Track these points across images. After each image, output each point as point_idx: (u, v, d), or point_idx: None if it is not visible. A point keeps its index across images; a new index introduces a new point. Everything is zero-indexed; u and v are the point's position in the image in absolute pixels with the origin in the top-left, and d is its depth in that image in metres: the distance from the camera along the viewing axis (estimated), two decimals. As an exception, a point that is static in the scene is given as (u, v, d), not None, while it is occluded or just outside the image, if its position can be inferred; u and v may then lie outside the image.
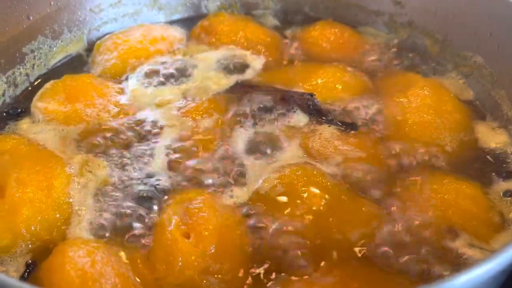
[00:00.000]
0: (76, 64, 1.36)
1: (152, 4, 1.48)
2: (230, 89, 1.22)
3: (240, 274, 0.87)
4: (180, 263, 0.85)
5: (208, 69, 1.28)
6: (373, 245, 0.90)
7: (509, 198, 0.98)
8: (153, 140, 1.10)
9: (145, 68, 1.28)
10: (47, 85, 1.21)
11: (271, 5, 1.52)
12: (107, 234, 0.93)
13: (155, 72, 1.27)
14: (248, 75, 1.27)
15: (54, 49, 1.34)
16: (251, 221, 0.93)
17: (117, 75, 1.27)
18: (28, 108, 1.18)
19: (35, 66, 1.30)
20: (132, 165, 1.05)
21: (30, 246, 0.91)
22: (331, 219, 0.91)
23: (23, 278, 0.86)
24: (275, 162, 1.03)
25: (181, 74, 1.27)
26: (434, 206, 0.93)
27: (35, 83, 1.30)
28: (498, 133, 1.12)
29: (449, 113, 1.11)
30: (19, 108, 1.20)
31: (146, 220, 0.95)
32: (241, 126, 1.12)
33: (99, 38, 1.39)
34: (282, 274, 0.87)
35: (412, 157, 1.05)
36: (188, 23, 1.46)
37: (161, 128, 1.12)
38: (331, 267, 0.87)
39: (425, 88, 1.15)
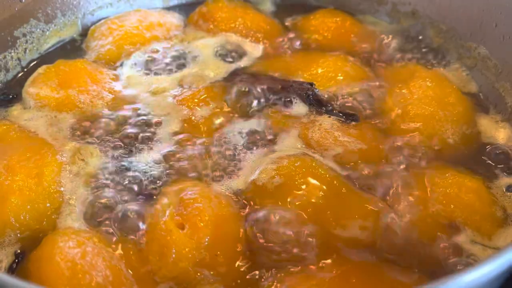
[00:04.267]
0: (70, 49, 1.34)
1: (149, -11, 1.46)
2: (228, 78, 1.20)
3: (236, 267, 0.85)
4: (174, 255, 0.83)
5: (206, 56, 1.26)
6: (372, 239, 0.88)
7: (512, 193, 0.97)
8: (147, 129, 1.08)
9: (141, 54, 1.26)
10: (39, 70, 1.19)
11: (272, -9, 1.49)
12: (98, 225, 0.91)
13: (151, 59, 1.26)
14: (247, 63, 1.25)
15: (47, 33, 1.32)
16: (247, 213, 0.91)
17: (112, 61, 1.25)
18: (20, 93, 1.16)
19: (27, 51, 1.28)
20: (126, 153, 1.03)
21: (19, 235, 0.90)
22: (329, 212, 0.90)
23: (11, 268, 0.84)
24: (273, 153, 1.02)
25: (178, 61, 1.25)
26: (436, 200, 0.92)
27: (27, 68, 1.28)
28: (502, 127, 1.10)
29: (452, 105, 1.09)
30: (10, 93, 1.18)
31: (139, 211, 0.93)
32: (239, 116, 1.10)
33: (93, 23, 1.37)
34: (278, 267, 0.85)
35: (413, 149, 1.04)
36: (186, 9, 1.44)
37: (156, 116, 1.10)
38: (329, 261, 0.85)
39: (427, 79, 1.13)
